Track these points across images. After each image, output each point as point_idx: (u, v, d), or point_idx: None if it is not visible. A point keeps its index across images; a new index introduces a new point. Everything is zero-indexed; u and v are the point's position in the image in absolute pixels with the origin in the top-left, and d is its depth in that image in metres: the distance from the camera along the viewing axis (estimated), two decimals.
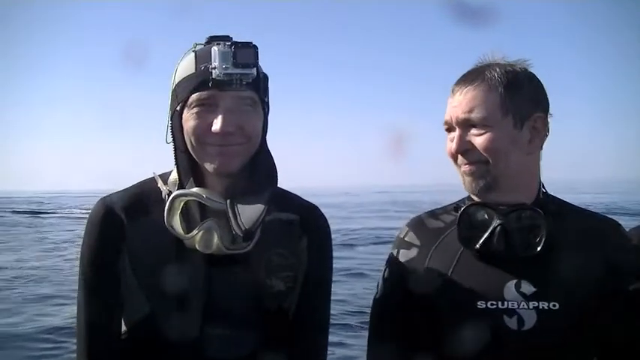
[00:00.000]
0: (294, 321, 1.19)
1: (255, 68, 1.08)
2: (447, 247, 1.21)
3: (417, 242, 1.25)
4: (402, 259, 1.26)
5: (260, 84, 1.11)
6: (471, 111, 1.14)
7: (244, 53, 1.07)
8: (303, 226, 1.20)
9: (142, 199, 1.17)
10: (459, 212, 1.18)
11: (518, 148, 1.15)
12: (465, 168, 1.17)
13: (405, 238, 1.28)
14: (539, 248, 1.11)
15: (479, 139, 1.14)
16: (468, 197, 1.24)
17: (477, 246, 1.15)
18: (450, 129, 1.20)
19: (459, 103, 1.16)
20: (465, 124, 1.15)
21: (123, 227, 1.14)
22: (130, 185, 1.21)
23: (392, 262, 1.28)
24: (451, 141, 1.18)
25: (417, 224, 1.29)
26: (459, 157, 1.17)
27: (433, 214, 1.30)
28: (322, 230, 1.24)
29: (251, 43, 1.08)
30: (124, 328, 1.17)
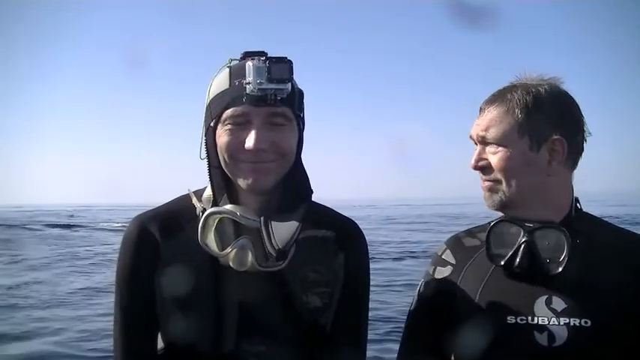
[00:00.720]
0: (331, 337, 1.17)
1: (289, 83, 1.06)
2: (480, 265, 1.23)
3: (453, 261, 1.29)
4: (437, 276, 1.29)
5: (295, 99, 1.10)
6: (487, 129, 1.19)
7: (279, 68, 1.05)
8: (339, 242, 1.19)
9: (177, 216, 1.16)
10: (488, 229, 1.21)
11: (534, 170, 1.18)
12: (483, 183, 1.23)
13: (442, 256, 1.32)
14: (560, 268, 1.12)
15: (492, 158, 1.19)
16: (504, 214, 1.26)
17: (502, 262, 1.17)
18: (476, 144, 1.24)
19: (481, 121, 1.22)
20: (483, 142, 1.21)
21: (157, 245, 1.14)
22: (165, 202, 1.21)
23: (428, 278, 1.31)
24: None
25: (454, 243, 1.33)
26: (479, 172, 1.23)
27: (470, 232, 1.34)
28: (359, 246, 1.23)
29: (286, 58, 1.07)
30: (160, 344, 1.16)
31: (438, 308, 1.26)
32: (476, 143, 1.23)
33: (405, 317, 1.33)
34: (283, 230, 1.08)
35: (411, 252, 15.31)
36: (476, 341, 1.17)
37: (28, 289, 10.32)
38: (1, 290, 10.08)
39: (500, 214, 1.24)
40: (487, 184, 1.21)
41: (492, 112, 1.19)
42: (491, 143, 1.19)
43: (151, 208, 1.21)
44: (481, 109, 1.23)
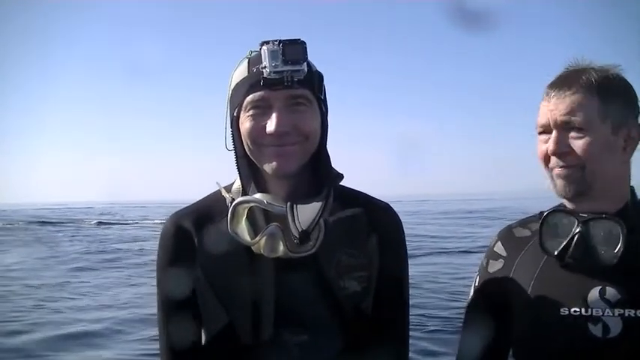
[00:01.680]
0: (372, 323, 1.15)
1: (304, 64, 1.06)
2: (532, 256, 1.21)
3: (504, 253, 1.27)
4: (490, 269, 1.28)
5: (313, 81, 1.10)
6: (571, 114, 1.13)
7: (292, 50, 1.06)
8: (371, 222, 1.17)
9: (209, 210, 1.18)
10: (541, 219, 1.18)
11: (613, 155, 1.14)
12: (559, 171, 1.16)
13: (494, 249, 1.30)
14: (615, 260, 1.09)
15: (578, 142, 1.13)
16: (560, 204, 1.22)
17: (556, 253, 1.14)
18: (544, 131, 1.18)
19: (556, 106, 1.15)
20: (564, 127, 1.14)
21: (192, 239, 1.16)
22: (198, 199, 1.24)
23: (481, 271, 1.30)
24: (545, 142, 1.17)
25: (506, 234, 1.31)
26: (553, 159, 1.16)
27: (522, 222, 1.31)
28: (393, 226, 1.21)
29: (299, 39, 1.07)
30: (203, 339, 1.17)
31: (493, 302, 1.25)
32: (546, 130, 1.17)
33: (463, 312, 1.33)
34: (307, 213, 1.07)
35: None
36: (530, 334, 1.16)
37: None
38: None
39: (568, 205, 1.19)
40: (565, 171, 1.14)
41: (573, 97, 1.13)
42: (575, 128, 1.13)
43: (185, 206, 1.24)
44: (550, 94, 1.17)
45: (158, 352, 1.20)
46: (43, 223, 32.05)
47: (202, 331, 1.17)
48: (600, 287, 1.11)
